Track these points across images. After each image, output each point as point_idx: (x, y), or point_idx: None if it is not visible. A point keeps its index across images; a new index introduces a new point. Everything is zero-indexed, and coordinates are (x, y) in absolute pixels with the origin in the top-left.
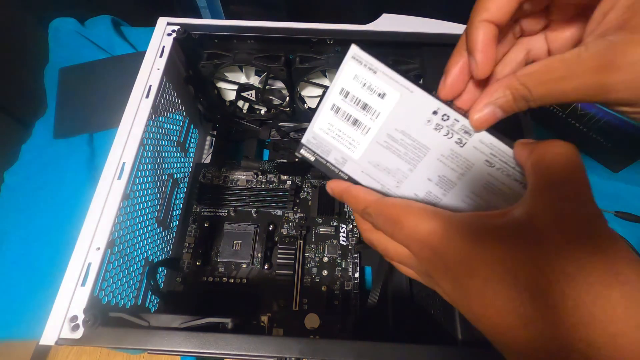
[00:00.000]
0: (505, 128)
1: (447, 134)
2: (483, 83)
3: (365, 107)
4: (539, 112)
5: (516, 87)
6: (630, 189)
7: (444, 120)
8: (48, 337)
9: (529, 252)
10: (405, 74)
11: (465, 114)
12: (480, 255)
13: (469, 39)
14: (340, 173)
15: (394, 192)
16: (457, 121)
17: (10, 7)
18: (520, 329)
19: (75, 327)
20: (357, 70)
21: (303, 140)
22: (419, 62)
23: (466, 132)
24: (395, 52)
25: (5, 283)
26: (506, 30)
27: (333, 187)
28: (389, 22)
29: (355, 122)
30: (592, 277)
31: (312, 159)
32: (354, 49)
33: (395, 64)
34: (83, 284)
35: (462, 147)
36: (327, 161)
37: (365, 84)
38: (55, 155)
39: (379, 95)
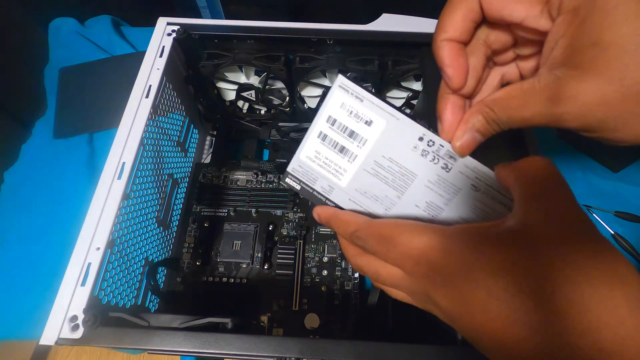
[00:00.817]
0: (508, 131)
1: (433, 160)
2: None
3: (352, 134)
4: None
5: (486, 111)
6: (630, 189)
7: (430, 146)
8: (48, 337)
9: (530, 259)
10: (390, 102)
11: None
12: (481, 265)
13: (436, 57)
14: (327, 201)
15: None
16: (442, 146)
17: (10, 7)
18: (528, 340)
19: (75, 327)
20: (344, 98)
21: (288, 169)
22: (419, 62)
23: (451, 157)
24: (395, 52)
25: (5, 283)
26: (482, 67)
27: (320, 212)
28: (389, 22)
29: (342, 149)
30: (595, 279)
31: (297, 187)
32: (340, 78)
33: (394, 64)
34: (83, 284)
35: (448, 172)
36: (314, 189)
37: (352, 112)
38: (55, 155)
39: (366, 122)
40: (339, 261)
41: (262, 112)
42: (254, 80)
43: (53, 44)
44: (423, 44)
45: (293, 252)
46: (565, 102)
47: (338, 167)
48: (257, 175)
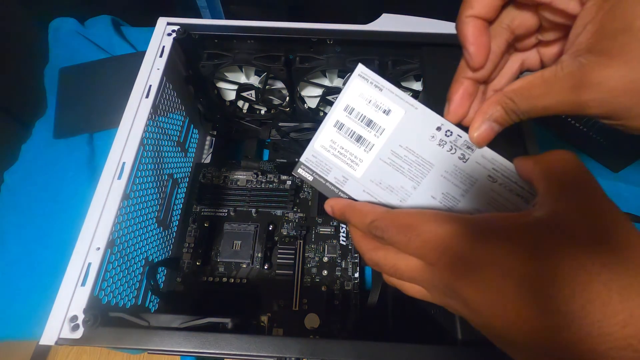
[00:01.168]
0: (506, 130)
1: (451, 150)
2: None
3: (370, 123)
4: None
5: (505, 102)
6: (630, 189)
7: (447, 136)
8: (48, 337)
9: (564, 250)
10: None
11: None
12: (511, 254)
13: (460, 35)
14: (340, 193)
15: None
16: (460, 137)
17: (10, 7)
18: (563, 330)
19: (75, 327)
20: (363, 87)
21: (302, 159)
22: (419, 62)
23: (469, 147)
24: (395, 52)
25: (5, 283)
26: (502, 52)
27: (333, 204)
28: (389, 22)
29: (359, 138)
30: (624, 280)
31: (310, 178)
32: (360, 67)
33: (394, 64)
34: (83, 284)
35: (465, 162)
36: (327, 180)
37: (370, 101)
38: (55, 155)
39: (384, 111)
40: (339, 261)
41: (262, 112)
42: (254, 80)
43: (53, 44)
44: (423, 44)
45: (293, 252)
46: (590, 89)
47: (354, 157)
48: (257, 175)
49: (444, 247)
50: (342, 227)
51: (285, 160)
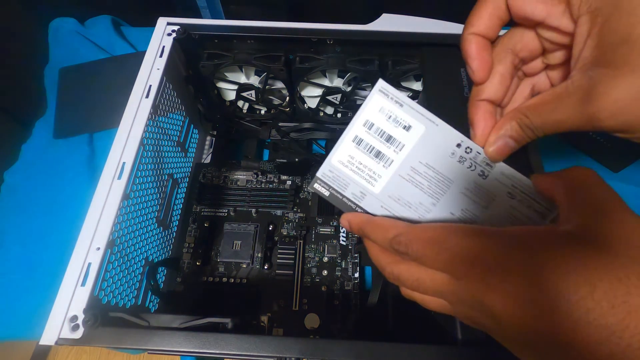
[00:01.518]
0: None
1: (470, 167)
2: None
3: (389, 139)
4: None
5: (520, 118)
6: (630, 189)
7: (467, 153)
8: (48, 337)
9: (602, 262)
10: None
11: None
12: (545, 266)
13: (463, 51)
14: (357, 209)
15: None
16: (479, 153)
17: (10, 7)
18: (602, 345)
19: (75, 327)
20: (384, 103)
21: (318, 174)
22: (419, 62)
23: (488, 164)
24: (395, 52)
25: (5, 283)
26: (510, 74)
27: (350, 219)
28: (389, 22)
29: (378, 154)
30: None
31: (326, 194)
32: (381, 83)
33: (394, 64)
34: (83, 284)
35: (484, 179)
36: (344, 196)
37: (390, 117)
38: (55, 155)
39: (404, 127)
40: (339, 261)
41: (262, 112)
42: (254, 80)
43: (53, 44)
44: (423, 44)
45: (293, 252)
46: (599, 100)
47: (372, 173)
48: (257, 175)
49: (472, 259)
50: (342, 227)
51: (285, 160)
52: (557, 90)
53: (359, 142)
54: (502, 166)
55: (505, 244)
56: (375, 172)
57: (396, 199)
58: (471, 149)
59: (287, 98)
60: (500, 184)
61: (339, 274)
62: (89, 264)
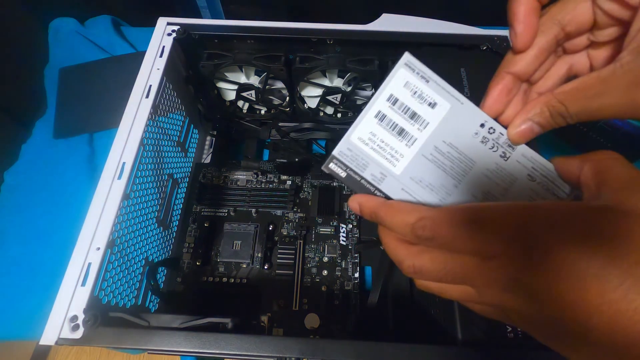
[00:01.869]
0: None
1: (492, 147)
2: (525, 100)
3: (413, 116)
4: None
5: (553, 105)
6: None
7: (490, 134)
8: (48, 337)
9: None
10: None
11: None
12: (588, 237)
13: (511, 12)
14: (376, 192)
15: None
16: (502, 134)
17: (10, 7)
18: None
19: (75, 327)
20: (409, 77)
21: (334, 152)
22: None
23: (510, 145)
24: (395, 52)
25: (5, 283)
26: (549, 49)
27: (362, 202)
28: (389, 22)
29: (402, 131)
30: None
31: (342, 175)
32: (407, 56)
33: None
34: (83, 284)
35: (506, 160)
36: (362, 177)
37: (416, 92)
38: (55, 155)
39: (430, 104)
40: (339, 261)
41: (262, 112)
42: (254, 80)
43: (53, 44)
44: (423, 44)
45: (293, 252)
46: None
47: (394, 152)
48: (257, 175)
49: (514, 236)
50: (342, 227)
51: (285, 160)
52: (602, 74)
53: (382, 117)
54: (523, 148)
55: (540, 217)
56: (397, 151)
57: (418, 181)
58: (494, 130)
59: (287, 98)
60: (521, 166)
61: (339, 274)
62: (89, 264)
